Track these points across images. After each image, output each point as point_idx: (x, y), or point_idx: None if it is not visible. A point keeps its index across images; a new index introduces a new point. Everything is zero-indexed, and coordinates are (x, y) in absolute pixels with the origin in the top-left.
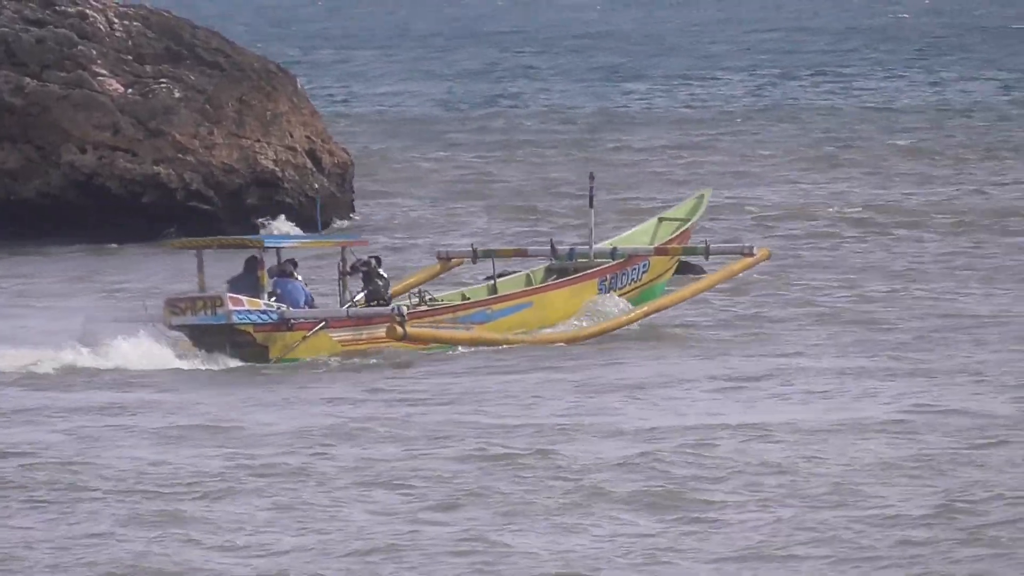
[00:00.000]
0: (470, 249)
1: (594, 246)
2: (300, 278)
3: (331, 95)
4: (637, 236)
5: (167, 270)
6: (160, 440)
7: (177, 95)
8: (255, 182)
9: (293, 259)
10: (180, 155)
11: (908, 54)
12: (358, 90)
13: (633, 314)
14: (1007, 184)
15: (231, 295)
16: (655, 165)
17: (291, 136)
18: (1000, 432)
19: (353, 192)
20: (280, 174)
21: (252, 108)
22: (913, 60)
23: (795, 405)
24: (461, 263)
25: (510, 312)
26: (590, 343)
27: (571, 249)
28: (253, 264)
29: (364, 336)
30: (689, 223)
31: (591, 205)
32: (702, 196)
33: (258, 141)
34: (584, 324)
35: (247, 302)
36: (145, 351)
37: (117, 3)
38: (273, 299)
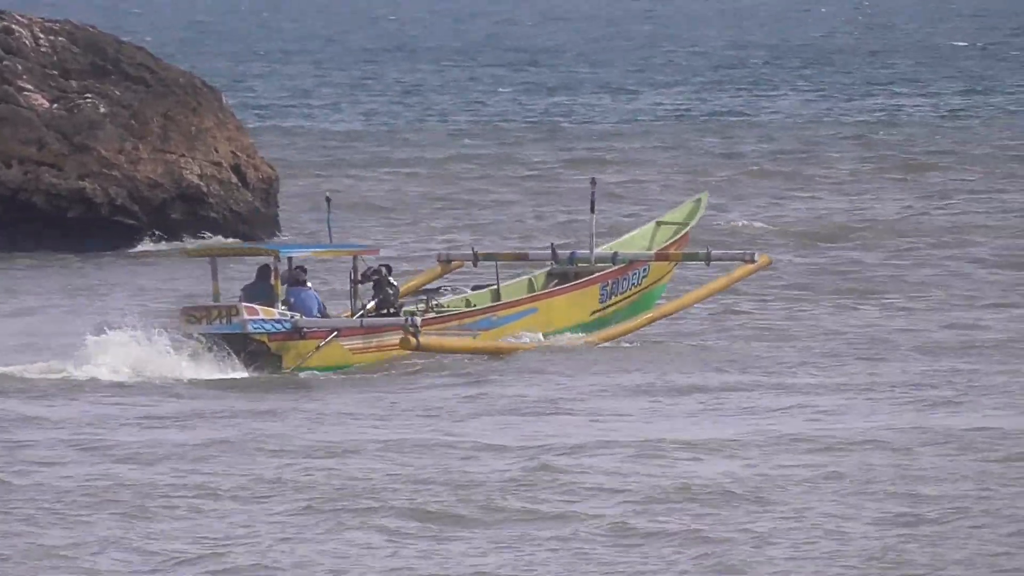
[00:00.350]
0: (471, 252)
1: (595, 250)
2: (310, 285)
3: (259, 110)
4: (635, 240)
5: (96, 284)
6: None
7: (102, 110)
8: (180, 197)
9: (302, 266)
10: (105, 170)
11: (836, 70)
12: (286, 105)
13: (640, 320)
14: (931, 197)
15: (246, 304)
16: (577, 180)
17: (216, 151)
18: (932, 447)
19: (278, 207)
20: (205, 189)
21: (177, 123)
22: (836, 76)
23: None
24: (461, 266)
25: (515, 318)
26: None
27: (572, 253)
28: (266, 272)
29: (374, 344)
30: (688, 227)
31: (592, 210)
32: (700, 200)
33: (183, 156)
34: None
35: (262, 311)
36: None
37: (42, 18)
38: (285, 308)
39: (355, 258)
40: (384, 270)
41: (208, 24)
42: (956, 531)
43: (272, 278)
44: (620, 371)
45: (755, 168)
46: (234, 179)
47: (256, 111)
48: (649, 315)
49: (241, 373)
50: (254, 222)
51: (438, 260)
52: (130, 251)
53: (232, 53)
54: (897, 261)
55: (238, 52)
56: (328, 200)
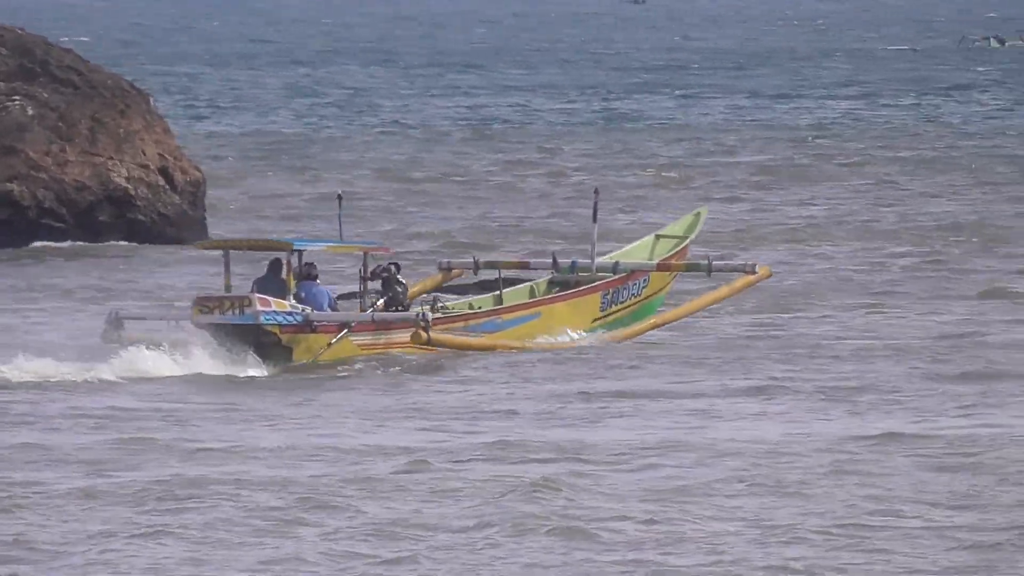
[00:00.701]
0: (472, 260)
1: (596, 260)
2: (319, 282)
3: (190, 112)
4: (635, 252)
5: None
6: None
7: (30, 112)
8: (107, 199)
9: (312, 263)
10: (33, 172)
11: (765, 74)
12: (217, 108)
13: (645, 324)
14: (864, 194)
15: (259, 296)
16: (511, 179)
17: (144, 154)
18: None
19: (205, 210)
20: (133, 191)
21: (105, 126)
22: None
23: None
24: (462, 274)
25: (519, 322)
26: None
27: (573, 262)
28: (277, 266)
29: (383, 341)
30: (687, 240)
31: (594, 220)
32: (699, 214)
33: (111, 159)
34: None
35: (274, 303)
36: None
37: None
38: (295, 302)
39: (365, 255)
40: (393, 268)
41: (147, 28)
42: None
43: (284, 272)
44: (547, 379)
45: (673, 175)
46: (162, 182)
47: (186, 113)
48: (652, 320)
49: (251, 367)
50: (181, 224)
51: (439, 268)
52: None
53: (166, 56)
54: (820, 265)
55: (172, 55)
56: (340, 198)
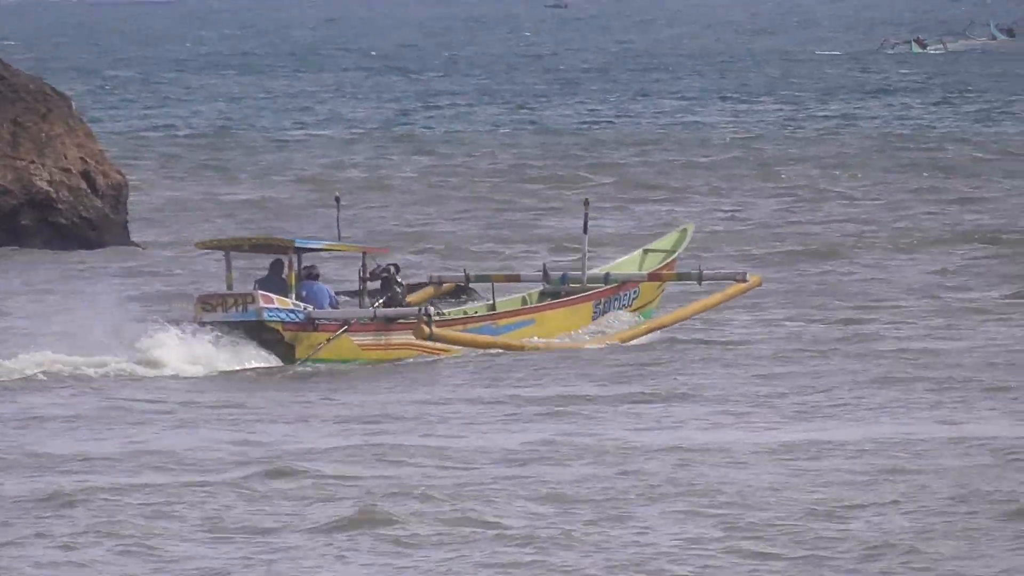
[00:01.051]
0: (463, 274)
1: (587, 272)
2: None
3: (112, 115)
4: (624, 266)
5: None
6: None
7: None
8: (29, 203)
9: (312, 264)
10: None
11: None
12: (141, 111)
13: (637, 329)
14: (763, 201)
15: (262, 292)
16: (431, 184)
17: (66, 158)
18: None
19: (127, 213)
20: (54, 195)
21: (27, 129)
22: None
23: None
24: (452, 287)
25: (514, 327)
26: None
27: (564, 274)
28: (279, 267)
29: (383, 342)
30: (675, 254)
31: (585, 231)
32: (685, 230)
33: (32, 163)
34: (587, 337)
35: (277, 300)
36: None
37: None
38: (297, 300)
39: (364, 255)
40: (392, 269)
41: (81, 29)
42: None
43: (286, 270)
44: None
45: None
46: (83, 185)
47: (109, 116)
48: (646, 325)
49: (253, 363)
50: (103, 228)
51: (430, 282)
52: None
53: (89, 60)
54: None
55: (94, 60)
56: (337, 199)
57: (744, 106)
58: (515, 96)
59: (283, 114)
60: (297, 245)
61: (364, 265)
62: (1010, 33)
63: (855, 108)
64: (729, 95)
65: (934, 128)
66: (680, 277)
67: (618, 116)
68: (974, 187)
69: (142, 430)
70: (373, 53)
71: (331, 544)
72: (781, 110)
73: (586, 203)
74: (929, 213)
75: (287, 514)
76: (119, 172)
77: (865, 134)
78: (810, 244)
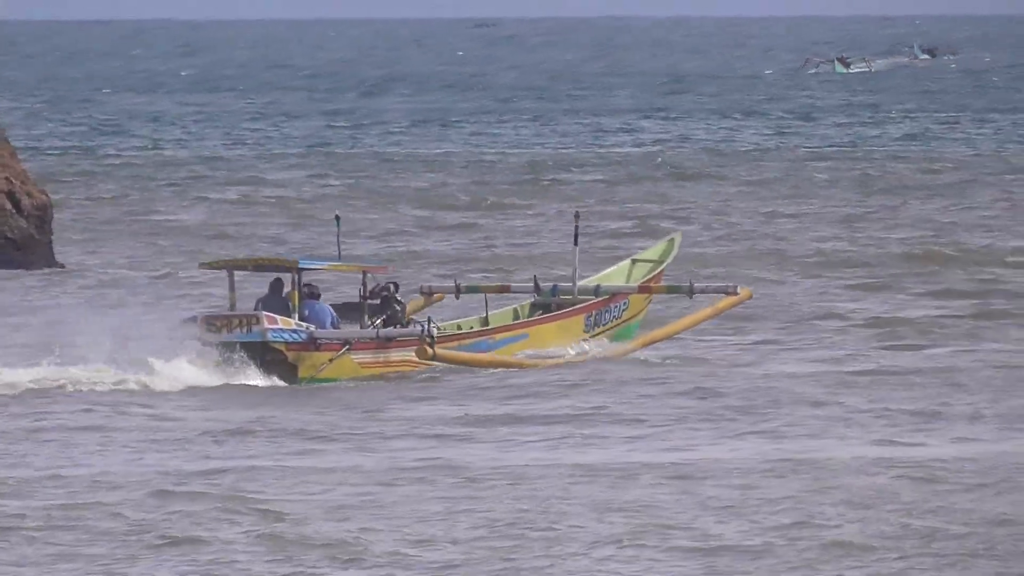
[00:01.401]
0: (453, 284)
1: (577, 283)
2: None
3: (35, 136)
4: (613, 276)
5: None
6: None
7: None
8: None
9: (313, 283)
10: None
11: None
12: (63, 132)
13: (636, 342)
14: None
15: (267, 314)
16: (344, 202)
17: None
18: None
19: (52, 234)
20: None
21: None
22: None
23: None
24: (443, 298)
25: (509, 342)
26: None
27: (554, 286)
28: (278, 286)
29: (381, 359)
30: (663, 264)
31: (575, 243)
32: (672, 240)
33: None
34: (573, 354)
35: (281, 321)
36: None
37: None
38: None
39: (365, 274)
40: (392, 287)
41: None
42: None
43: (290, 288)
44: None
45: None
46: (8, 206)
47: (31, 136)
48: (640, 340)
49: (257, 381)
50: (28, 249)
51: (421, 292)
52: None
53: (16, 79)
54: None
55: (22, 79)
56: (337, 218)
57: (673, 125)
58: (443, 114)
59: (211, 132)
60: (301, 265)
61: (364, 284)
62: (932, 53)
63: (777, 126)
64: (654, 114)
65: (855, 145)
66: (671, 290)
67: (544, 135)
68: (899, 203)
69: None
70: (304, 73)
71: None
72: (706, 128)
73: (576, 216)
74: (853, 229)
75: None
76: (44, 192)
77: (784, 154)
78: (733, 265)
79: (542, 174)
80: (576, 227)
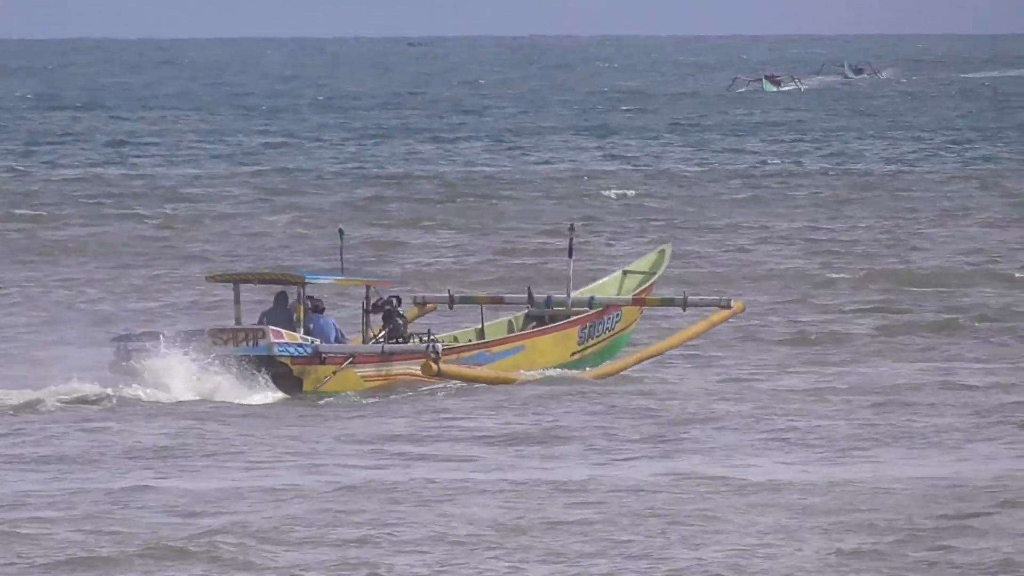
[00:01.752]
0: (447, 295)
1: (571, 295)
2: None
3: None
4: (605, 288)
5: None
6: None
7: None
8: None
9: (318, 297)
10: None
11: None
12: (6, 149)
13: (632, 358)
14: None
15: (272, 328)
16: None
17: None
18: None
19: None
20: None
21: None
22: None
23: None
24: (435, 308)
25: (507, 355)
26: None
27: (548, 297)
28: (283, 299)
29: (383, 373)
30: (655, 276)
31: (570, 255)
32: (663, 251)
33: None
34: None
35: (286, 335)
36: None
37: None
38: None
39: (368, 288)
40: (395, 301)
41: None
42: None
43: (296, 302)
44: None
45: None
46: None
47: None
48: (638, 355)
49: (264, 394)
50: None
51: (414, 302)
52: None
53: None
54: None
55: None
56: (341, 232)
57: (599, 142)
58: (378, 132)
59: (149, 151)
60: (307, 280)
61: (368, 298)
62: (859, 71)
63: (705, 144)
64: (586, 133)
65: (786, 163)
66: (664, 302)
67: (478, 155)
68: (830, 219)
69: None
70: (243, 92)
71: None
72: (634, 145)
73: (571, 228)
74: (783, 246)
75: None
76: None
77: (714, 174)
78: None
79: (464, 191)
80: (571, 240)
